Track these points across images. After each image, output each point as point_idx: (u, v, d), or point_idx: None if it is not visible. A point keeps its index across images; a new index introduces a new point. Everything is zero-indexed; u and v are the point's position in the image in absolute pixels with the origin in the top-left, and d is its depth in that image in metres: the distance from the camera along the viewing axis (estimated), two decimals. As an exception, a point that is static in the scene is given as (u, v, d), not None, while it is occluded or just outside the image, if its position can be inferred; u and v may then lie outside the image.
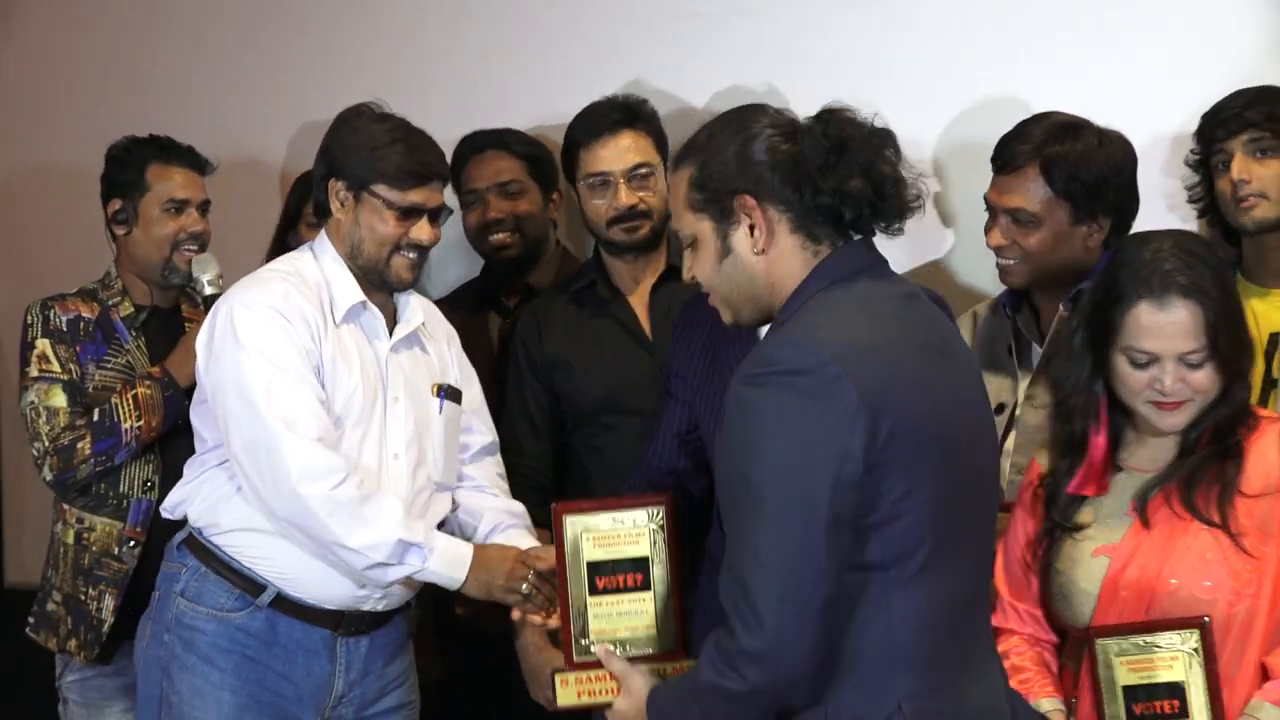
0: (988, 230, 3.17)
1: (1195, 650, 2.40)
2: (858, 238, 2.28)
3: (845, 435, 2.09)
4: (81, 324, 3.51)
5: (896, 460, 2.12)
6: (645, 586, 2.44)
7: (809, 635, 2.10)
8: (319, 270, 3.04)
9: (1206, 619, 2.44)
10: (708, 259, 2.30)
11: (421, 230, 3.02)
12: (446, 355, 3.24)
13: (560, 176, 3.73)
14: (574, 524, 2.51)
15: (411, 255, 3.03)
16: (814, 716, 2.16)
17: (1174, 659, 2.37)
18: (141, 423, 3.42)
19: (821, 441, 2.09)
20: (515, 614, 2.95)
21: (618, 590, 2.45)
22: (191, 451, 3.13)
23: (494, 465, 3.29)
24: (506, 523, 3.17)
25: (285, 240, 3.78)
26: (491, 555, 2.99)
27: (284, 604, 3.03)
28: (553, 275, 3.78)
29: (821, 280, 2.24)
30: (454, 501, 3.20)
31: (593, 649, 2.46)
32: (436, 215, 3.06)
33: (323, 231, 3.08)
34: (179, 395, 3.43)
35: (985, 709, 2.27)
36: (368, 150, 3.00)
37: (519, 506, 3.22)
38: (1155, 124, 3.46)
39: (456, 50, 4.06)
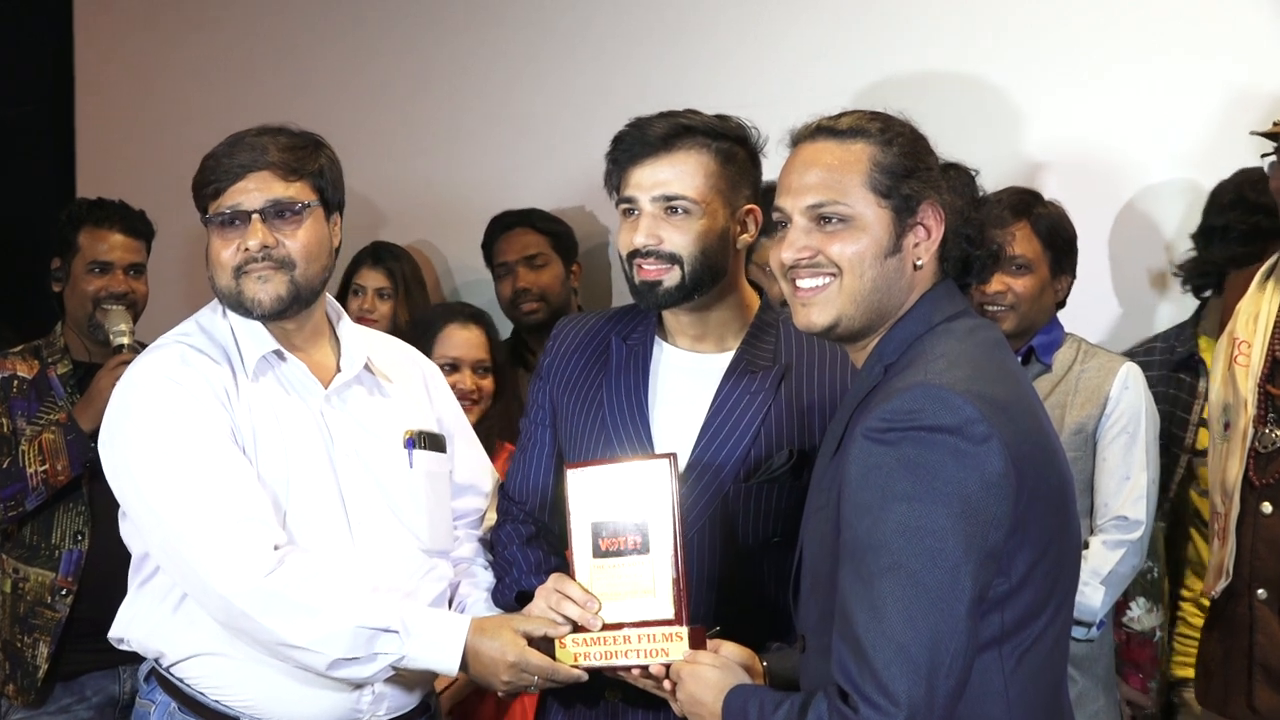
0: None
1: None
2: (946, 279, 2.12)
3: (995, 501, 1.86)
4: (15, 382, 3.56)
5: (1031, 524, 1.91)
6: (644, 549, 2.28)
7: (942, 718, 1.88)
8: (226, 324, 2.58)
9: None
10: (869, 247, 2.03)
11: (252, 234, 2.47)
12: (422, 397, 2.72)
13: (578, 251, 4.12)
14: (578, 482, 2.34)
15: (255, 270, 2.49)
16: None
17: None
18: (46, 467, 3.42)
19: (970, 509, 1.84)
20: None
21: (618, 553, 2.29)
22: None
23: (479, 528, 2.79)
24: (473, 599, 2.67)
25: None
26: (489, 627, 2.42)
27: None
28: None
29: (930, 314, 2.05)
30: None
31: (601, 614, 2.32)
32: (276, 214, 2.49)
33: None
34: (82, 438, 3.41)
35: None
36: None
37: (489, 578, 2.71)
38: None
39: (494, 143, 4.39)
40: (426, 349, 3.33)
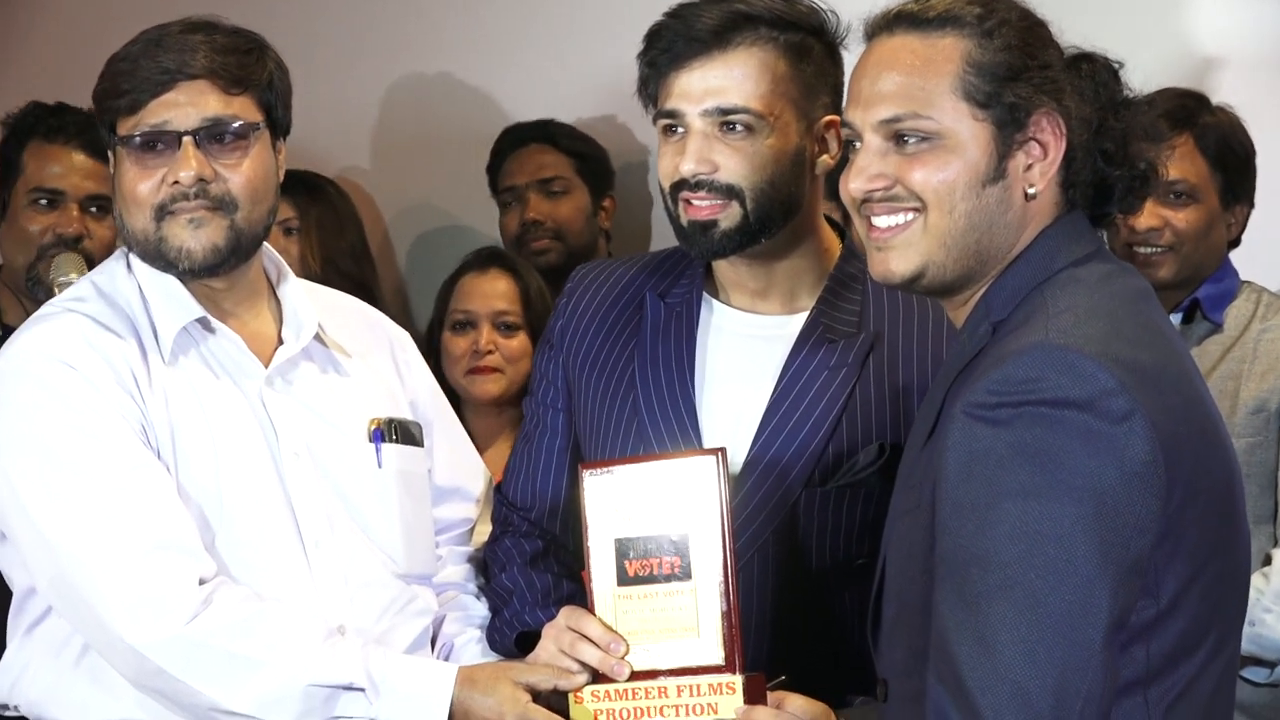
0: None
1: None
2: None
3: (1138, 499, 1.66)
4: None
5: (1187, 530, 1.71)
6: (685, 575, 2.11)
7: None
8: (132, 282, 2.28)
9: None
10: (961, 173, 1.82)
11: (184, 162, 2.19)
12: (390, 374, 2.44)
13: (614, 180, 3.75)
14: (598, 486, 2.14)
15: (185, 210, 2.22)
16: None
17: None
18: None
19: (1106, 508, 1.65)
20: None
21: (651, 579, 2.13)
22: None
23: (468, 542, 2.52)
24: (462, 640, 2.41)
25: None
26: (483, 678, 2.18)
27: None
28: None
29: (1050, 257, 1.83)
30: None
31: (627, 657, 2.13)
32: (213, 137, 2.23)
33: None
34: None
35: None
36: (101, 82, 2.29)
37: (482, 610, 2.45)
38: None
39: (492, 37, 4.03)
40: (442, 315, 3.13)
